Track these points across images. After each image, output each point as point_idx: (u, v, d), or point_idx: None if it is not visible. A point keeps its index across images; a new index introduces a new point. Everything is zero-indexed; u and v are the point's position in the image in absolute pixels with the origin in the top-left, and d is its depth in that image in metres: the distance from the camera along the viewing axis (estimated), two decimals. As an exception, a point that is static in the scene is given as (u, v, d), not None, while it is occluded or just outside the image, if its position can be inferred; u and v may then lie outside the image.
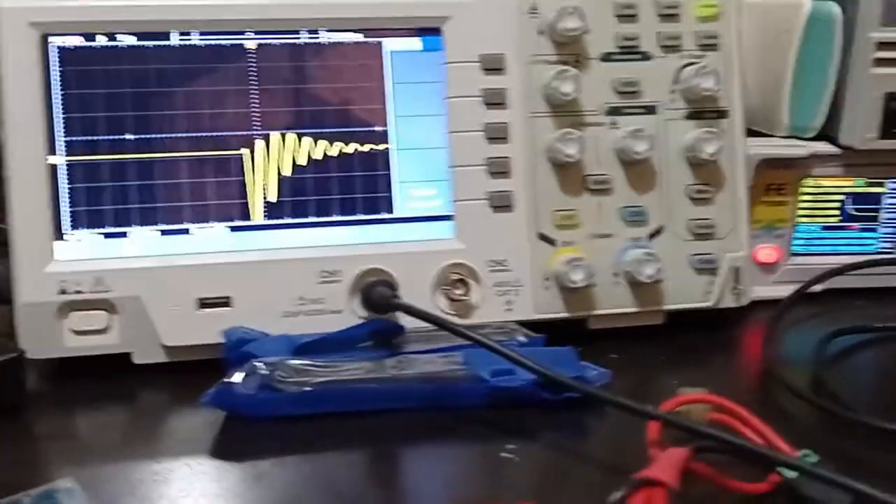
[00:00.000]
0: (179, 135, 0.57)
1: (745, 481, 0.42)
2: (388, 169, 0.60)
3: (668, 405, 0.45)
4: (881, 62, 0.66)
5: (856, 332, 0.63)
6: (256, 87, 0.58)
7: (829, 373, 0.56)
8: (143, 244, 0.57)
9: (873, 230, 0.72)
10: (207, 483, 0.45)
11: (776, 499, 0.42)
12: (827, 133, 0.70)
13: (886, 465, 0.47)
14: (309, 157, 0.59)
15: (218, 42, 0.58)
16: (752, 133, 0.73)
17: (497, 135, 0.60)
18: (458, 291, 0.59)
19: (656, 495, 0.30)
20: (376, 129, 0.60)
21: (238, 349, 0.53)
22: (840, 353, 0.61)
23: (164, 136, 0.57)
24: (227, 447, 0.48)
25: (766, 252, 0.71)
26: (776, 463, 0.38)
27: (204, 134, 0.57)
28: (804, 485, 0.39)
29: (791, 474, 0.40)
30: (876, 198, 0.71)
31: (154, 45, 0.57)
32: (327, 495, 0.43)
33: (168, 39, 0.57)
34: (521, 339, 0.57)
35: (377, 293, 0.56)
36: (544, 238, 0.61)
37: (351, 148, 0.59)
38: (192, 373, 0.55)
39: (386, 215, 0.60)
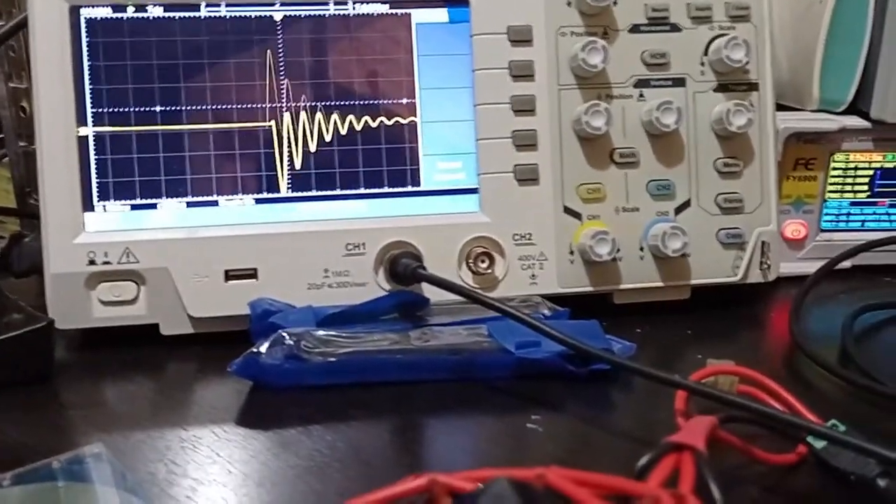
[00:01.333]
0: (207, 107, 0.57)
1: (772, 452, 0.42)
2: (415, 142, 0.60)
3: (697, 376, 0.45)
4: (914, 34, 0.65)
5: (884, 308, 0.62)
6: (283, 59, 0.58)
7: (856, 347, 0.56)
8: (171, 216, 0.57)
9: (904, 206, 0.71)
10: (234, 449, 0.45)
11: (803, 469, 0.42)
12: (858, 107, 0.69)
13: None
14: (336, 129, 0.59)
15: (245, 13, 0.58)
16: (781, 107, 0.73)
17: (524, 107, 0.60)
18: (482, 265, 0.59)
19: (684, 459, 0.30)
20: (403, 101, 0.60)
21: (263, 320, 0.54)
22: (868, 328, 0.60)
23: (191, 108, 0.57)
24: (253, 415, 0.49)
25: (794, 228, 0.70)
26: (805, 431, 0.38)
27: (231, 106, 0.58)
28: (832, 455, 0.39)
29: (819, 444, 0.40)
30: (907, 173, 0.70)
31: (182, 17, 0.57)
32: (353, 463, 0.44)
33: (196, 11, 0.57)
34: (546, 312, 0.57)
35: (402, 264, 0.56)
36: (570, 211, 0.61)
37: (378, 121, 0.59)
38: (218, 344, 0.56)
39: (412, 188, 0.60)
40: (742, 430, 0.42)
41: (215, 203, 0.58)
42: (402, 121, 0.60)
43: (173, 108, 0.57)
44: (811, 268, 0.67)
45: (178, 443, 0.45)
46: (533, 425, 0.47)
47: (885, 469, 0.37)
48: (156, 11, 0.57)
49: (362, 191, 0.59)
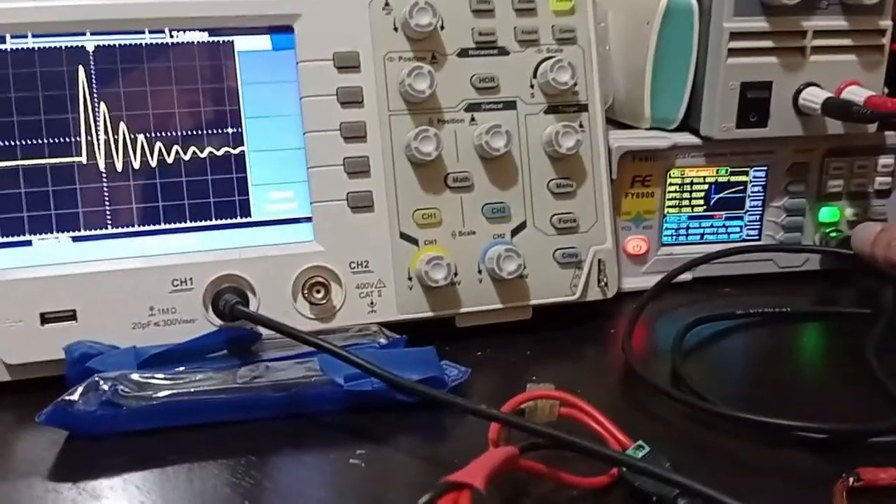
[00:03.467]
0: (15, 142, 0.54)
1: (590, 475, 0.42)
2: (244, 172, 0.58)
3: (516, 401, 0.45)
4: (735, 52, 0.66)
5: (716, 320, 0.64)
6: (98, 91, 0.56)
7: (686, 362, 0.57)
8: (-20, 258, 0.54)
9: (739, 218, 0.73)
10: (37, 507, 0.43)
11: (616, 491, 0.42)
12: (689, 124, 0.71)
13: (736, 451, 0.47)
14: (159, 161, 0.57)
15: (54, 44, 0.55)
16: (622, 126, 0.74)
17: (354, 134, 0.59)
18: (317, 295, 0.58)
19: (462, 498, 0.30)
20: (230, 131, 0.58)
21: (80, 365, 0.51)
22: (700, 341, 0.62)
23: (0, 143, 0.54)
24: (65, 468, 0.46)
25: (636, 243, 0.71)
26: (597, 456, 0.38)
27: (42, 141, 0.55)
28: (635, 478, 0.39)
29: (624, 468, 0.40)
30: (740, 186, 0.72)
31: (-16, 49, 0.54)
32: (163, 513, 0.42)
33: (2, 43, 0.54)
34: (382, 340, 0.57)
35: (223, 300, 0.54)
36: (406, 237, 0.60)
37: (205, 152, 0.58)
38: (39, 391, 0.53)
39: (242, 219, 0.58)
40: (560, 454, 0.42)
41: (28, 243, 0.55)
42: (230, 151, 0.58)
43: (-21, 145, 0.54)
44: (655, 282, 0.68)
45: (-27, 504, 0.43)
46: (356, 461, 0.46)
47: (682, 491, 0.37)
48: (-43, 44, 0.54)
49: (189, 224, 0.57)
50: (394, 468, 0.46)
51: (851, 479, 0.42)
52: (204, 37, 0.58)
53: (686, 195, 0.72)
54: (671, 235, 0.72)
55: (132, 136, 0.56)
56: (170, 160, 0.57)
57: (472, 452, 0.46)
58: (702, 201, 0.72)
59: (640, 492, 0.39)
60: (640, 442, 0.41)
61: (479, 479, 0.30)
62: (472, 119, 0.61)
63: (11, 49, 0.54)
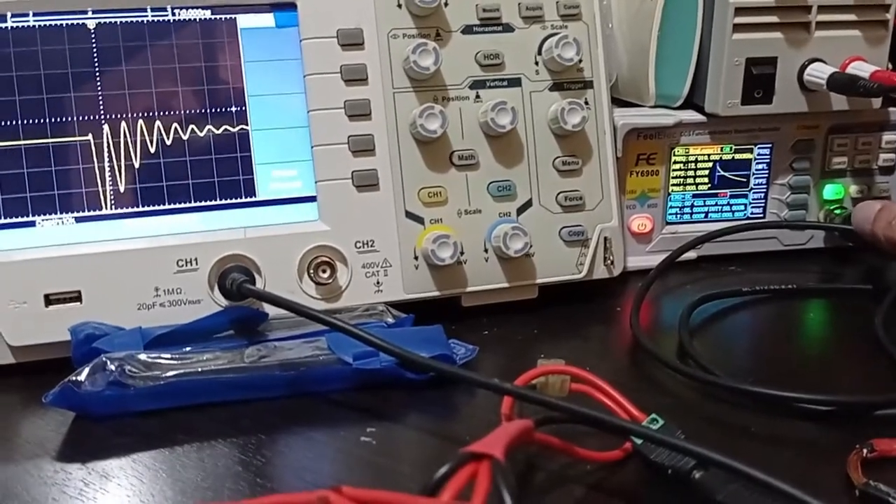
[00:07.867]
0: (17, 122, 0.54)
1: (603, 450, 0.42)
2: (248, 151, 0.58)
3: (526, 377, 0.44)
4: (740, 27, 0.66)
5: (723, 297, 0.64)
6: (99, 69, 0.55)
7: (694, 339, 0.57)
8: (-17, 239, 0.54)
9: (744, 196, 0.73)
10: (45, 487, 0.42)
11: (629, 465, 0.42)
12: (694, 101, 0.70)
13: (747, 425, 0.47)
14: (161, 141, 0.56)
15: (56, 22, 0.55)
16: (626, 104, 0.74)
17: (358, 112, 0.59)
18: (323, 275, 0.58)
19: (482, 469, 0.29)
20: (233, 109, 0.58)
21: (85, 346, 0.51)
22: (708, 318, 0.62)
23: (2, 123, 0.54)
24: (73, 448, 0.46)
25: (640, 222, 0.71)
26: (617, 430, 0.38)
27: (45, 120, 0.54)
28: (650, 450, 0.39)
29: (639, 440, 0.40)
30: (744, 164, 0.72)
31: (-16, 28, 0.54)
32: (175, 491, 0.42)
33: (3, 22, 0.54)
34: (389, 319, 0.56)
35: (229, 279, 0.54)
36: (412, 216, 0.60)
37: (206, 130, 0.57)
38: (44, 373, 0.52)
39: (245, 199, 0.58)
40: (572, 429, 0.42)
41: (32, 223, 0.54)
42: (230, 129, 0.58)
43: (-19, 125, 0.53)
44: (660, 260, 0.68)
45: (-17, 484, 0.42)
46: (367, 438, 0.46)
47: (697, 463, 0.37)
48: (-44, 23, 0.53)
49: (193, 204, 0.57)
50: (405, 445, 0.46)
51: (865, 451, 0.42)
52: (206, 14, 0.57)
53: (691, 173, 0.71)
54: (675, 214, 0.72)
55: (134, 115, 0.56)
56: (173, 139, 0.57)
57: (482, 429, 0.46)
58: (706, 179, 0.72)
59: (656, 465, 0.39)
60: (654, 415, 0.41)
61: (499, 450, 0.30)
62: (477, 96, 0.61)
63: (13, 27, 0.54)
